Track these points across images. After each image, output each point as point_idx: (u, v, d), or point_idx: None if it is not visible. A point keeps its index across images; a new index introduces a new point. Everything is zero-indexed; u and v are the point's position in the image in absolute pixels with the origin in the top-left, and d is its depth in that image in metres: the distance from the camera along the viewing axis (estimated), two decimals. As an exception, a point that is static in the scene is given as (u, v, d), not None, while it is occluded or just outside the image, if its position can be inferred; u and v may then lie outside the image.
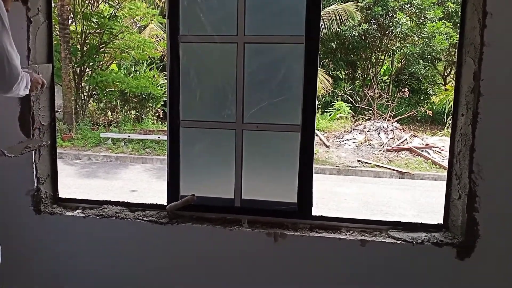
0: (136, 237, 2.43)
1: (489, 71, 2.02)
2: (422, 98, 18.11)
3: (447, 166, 2.32)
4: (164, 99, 15.08)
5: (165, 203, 2.53)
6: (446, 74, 18.90)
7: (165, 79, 15.81)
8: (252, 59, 2.35)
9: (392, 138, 11.06)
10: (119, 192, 7.53)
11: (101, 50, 13.00)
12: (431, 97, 18.20)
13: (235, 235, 2.34)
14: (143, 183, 8.37)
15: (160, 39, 15.40)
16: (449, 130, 10.58)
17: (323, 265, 2.27)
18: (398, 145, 10.79)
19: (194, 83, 2.45)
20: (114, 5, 13.09)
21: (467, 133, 2.12)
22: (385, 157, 10.29)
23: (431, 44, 16.34)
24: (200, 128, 2.49)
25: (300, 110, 2.32)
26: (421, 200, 7.60)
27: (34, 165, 2.51)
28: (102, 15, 12.45)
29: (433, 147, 10.83)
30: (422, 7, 16.25)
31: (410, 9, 16.71)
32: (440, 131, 14.21)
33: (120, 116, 14.41)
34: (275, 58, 2.38)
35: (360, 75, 18.88)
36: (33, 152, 2.49)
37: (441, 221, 2.34)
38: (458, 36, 2.09)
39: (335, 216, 2.44)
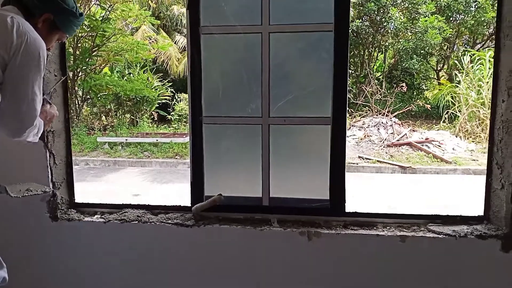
0: (161, 241, 2.31)
1: (532, 54, 1.93)
2: (415, 93, 18.10)
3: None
4: (159, 101, 14.95)
5: (188, 204, 2.41)
6: (438, 68, 18.92)
7: (159, 81, 15.63)
8: (278, 50, 2.24)
9: (391, 133, 11.00)
10: (121, 196, 7.37)
11: (94, 54, 12.77)
12: (425, 92, 18.21)
13: (266, 235, 2.22)
14: (144, 186, 8.22)
15: (153, 41, 15.22)
16: (445, 124, 10.51)
17: (362, 263, 2.17)
18: (398, 140, 10.73)
19: (217, 77, 2.33)
20: (106, 7, 12.88)
21: (509, 120, 2.02)
22: (386, 153, 10.22)
23: (424, 38, 16.31)
24: (224, 124, 2.36)
25: (330, 101, 2.21)
26: (426, 194, 7.54)
27: (49, 169, 2.37)
28: (94, 18, 12.24)
29: (433, 141, 10.79)
30: (414, 1, 16.23)
31: (402, 4, 16.69)
32: (435, 125, 14.20)
33: (115, 120, 14.21)
34: (302, 48, 2.27)
35: (353, 71, 18.85)
36: (47, 155, 2.36)
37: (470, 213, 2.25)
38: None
39: (369, 212, 2.33)
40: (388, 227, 2.22)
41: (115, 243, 2.36)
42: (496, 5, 2.09)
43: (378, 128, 11.31)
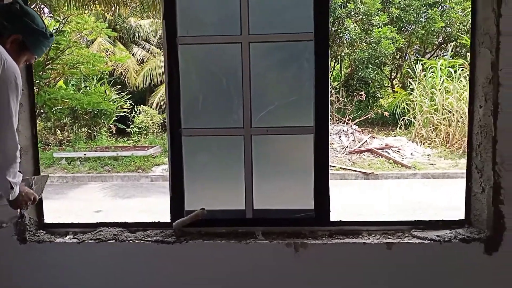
0: (141, 260, 2.20)
1: (507, 61, 1.99)
2: (371, 101, 18.62)
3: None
4: (117, 114, 14.56)
5: (168, 220, 2.32)
6: (392, 77, 19.56)
7: (117, 93, 15.25)
8: (259, 59, 2.21)
9: (353, 140, 11.21)
10: (82, 213, 7.07)
11: (47, 67, 12.30)
12: (380, 100, 18.78)
13: (252, 248, 2.17)
14: (106, 202, 7.92)
15: (110, 53, 14.85)
16: (401, 131, 10.84)
17: (350, 272, 2.15)
18: (359, 147, 10.95)
19: (196, 88, 2.27)
20: (60, 19, 12.46)
21: (487, 125, 2.08)
22: (349, 159, 10.40)
23: (378, 48, 16.85)
24: (204, 136, 2.30)
25: (312, 110, 2.20)
26: (391, 199, 7.71)
27: (16, 189, 2.21)
28: (48, 31, 11.81)
29: (392, 147, 11.09)
30: (368, 13, 16.77)
31: (356, 16, 17.19)
32: (392, 131, 14.63)
33: (71, 135, 13.70)
34: (283, 57, 2.24)
35: (312, 81, 19.15)
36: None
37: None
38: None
39: (354, 220, 2.32)
40: (373, 235, 2.22)
41: (91, 264, 2.22)
42: (470, 13, 2.15)
43: (340, 136, 11.50)
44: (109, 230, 2.30)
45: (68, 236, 2.30)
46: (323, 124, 2.20)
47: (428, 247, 2.10)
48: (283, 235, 2.23)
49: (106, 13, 15.40)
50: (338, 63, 19.27)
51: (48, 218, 2.41)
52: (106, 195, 8.50)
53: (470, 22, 2.15)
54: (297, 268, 2.16)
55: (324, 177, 2.24)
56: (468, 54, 10.92)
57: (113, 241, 2.21)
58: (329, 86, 2.19)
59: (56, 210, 7.16)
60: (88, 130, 14.30)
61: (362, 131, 12.22)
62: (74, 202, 7.99)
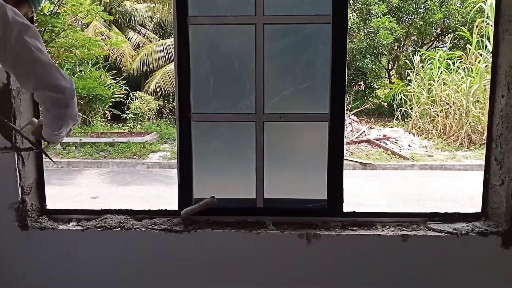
0: (148, 249, 2.12)
1: (533, 48, 1.92)
2: (367, 92, 18.55)
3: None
4: (112, 99, 14.38)
5: (175, 208, 2.24)
6: (389, 68, 19.49)
7: (112, 79, 15.07)
8: (273, 42, 2.11)
9: (351, 130, 11.17)
10: (79, 199, 6.97)
11: (42, 50, 12.07)
12: (376, 91, 18.71)
13: (262, 239, 2.09)
14: (103, 188, 7.82)
15: (105, 37, 14.60)
16: (398, 122, 10.80)
17: (363, 264, 2.09)
18: (357, 138, 10.91)
19: (207, 71, 2.17)
20: (55, 1, 12.20)
21: (509, 115, 2.01)
22: (346, 150, 10.35)
23: (376, 39, 16.74)
24: (214, 122, 2.21)
25: (328, 97, 2.11)
26: (390, 190, 7.69)
27: (17, 173, 2.12)
28: (42, 13, 11.54)
29: (390, 138, 11.06)
30: (367, 2, 16.63)
31: (355, 5, 17.05)
32: (388, 122, 14.59)
33: (65, 120, 13.50)
34: (298, 40, 2.14)
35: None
36: (16, 157, 2.11)
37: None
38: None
39: (367, 211, 2.26)
40: (387, 227, 2.15)
41: (95, 252, 2.14)
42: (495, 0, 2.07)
43: (337, 126, 11.44)
44: (114, 217, 2.21)
45: (71, 223, 2.21)
46: (338, 112, 2.11)
47: (444, 240, 2.05)
48: (294, 226, 2.16)
49: (102, -4, 15.14)
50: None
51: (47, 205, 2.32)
52: (103, 181, 8.40)
53: (494, 9, 2.06)
54: (309, 260, 2.10)
55: (338, 166, 2.16)
56: (468, 46, 10.86)
57: (119, 229, 2.13)
58: (346, 71, 2.10)
59: (52, 195, 7.06)
60: (83, 115, 14.12)
61: (360, 121, 12.17)
62: (70, 188, 7.89)
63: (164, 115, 15.17)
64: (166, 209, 2.28)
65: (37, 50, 1.46)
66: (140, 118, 14.08)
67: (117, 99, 14.55)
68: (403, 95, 14.57)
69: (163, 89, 15.49)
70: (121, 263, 2.14)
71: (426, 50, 16.24)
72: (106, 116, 14.47)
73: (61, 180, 8.37)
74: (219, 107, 2.20)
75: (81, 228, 2.15)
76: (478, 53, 11.57)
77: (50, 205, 2.32)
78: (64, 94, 1.49)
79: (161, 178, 8.56)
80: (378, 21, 16.49)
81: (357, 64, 17.62)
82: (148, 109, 14.40)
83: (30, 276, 2.16)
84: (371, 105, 14.54)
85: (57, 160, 9.58)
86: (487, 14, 11.37)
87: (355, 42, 17.24)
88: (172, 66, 15.30)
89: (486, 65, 10.92)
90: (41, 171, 2.25)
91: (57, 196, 6.81)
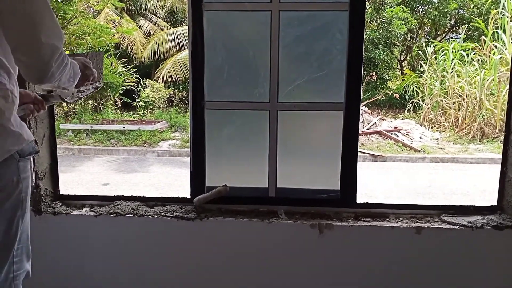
0: (160, 236, 2.13)
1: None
2: (378, 83, 18.38)
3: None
4: (123, 87, 14.41)
5: (187, 196, 2.23)
6: (402, 59, 19.26)
7: (123, 66, 15.09)
8: (288, 29, 2.08)
9: (361, 122, 11.09)
10: (90, 186, 7.03)
11: (54, 37, 12.10)
12: (387, 82, 18.52)
13: (274, 228, 2.08)
14: (114, 175, 7.88)
15: (117, 25, 14.60)
16: (409, 114, 10.71)
17: (376, 256, 2.07)
18: (368, 129, 10.84)
19: (221, 59, 2.15)
20: (66, -13, 12.20)
21: (529, 107, 1.97)
22: (357, 141, 10.30)
23: (389, 29, 16.54)
24: (228, 110, 2.19)
25: (343, 86, 2.08)
26: (401, 182, 7.64)
27: (31, 158, 2.12)
28: (54, -1, 11.57)
29: (401, 129, 10.97)
30: (381, -9, 16.42)
31: (369, -6, 16.85)
32: (399, 114, 14.47)
33: (77, 106, 13.59)
34: (314, 28, 2.11)
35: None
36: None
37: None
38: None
39: (380, 203, 2.24)
40: (401, 218, 2.13)
41: (108, 238, 2.15)
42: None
43: (348, 117, 11.37)
44: (126, 204, 2.22)
45: (84, 209, 2.22)
46: (354, 101, 2.08)
47: (459, 233, 2.02)
48: (306, 216, 2.15)
49: (113, -17, 15.09)
50: (347, 43, 18.94)
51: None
52: (114, 169, 8.46)
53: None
54: (321, 250, 2.09)
55: (353, 157, 2.14)
56: (482, 37, 10.66)
57: (131, 215, 2.14)
58: (363, 60, 2.07)
59: (64, 181, 7.13)
60: (94, 103, 14.19)
61: (371, 112, 12.07)
62: (81, 174, 7.95)
63: (174, 104, 15.18)
64: (178, 197, 2.27)
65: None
66: (151, 106, 14.11)
67: (127, 87, 14.59)
68: (415, 86, 14.41)
69: (173, 78, 15.47)
70: (133, 249, 2.15)
71: (439, 41, 16.02)
72: (116, 103, 14.53)
73: (72, 167, 8.44)
74: (232, 95, 2.18)
75: (94, 213, 2.15)
76: (493, 45, 11.38)
77: (62, 191, 2.33)
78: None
79: (170, 165, 8.56)
80: (392, 11, 16.27)
81: (369, 54, 17.43)
82: (159, 97, 14.42)
83: (43, 260, 2.17)
84: (382, 96, 14.41)
85: (68, 147, 9.66)
86: (503, 5, 11.17)
87: (368, 33, 17.02)
88: (183, 54, 15.26)
89: (501, 57, 10.75)
90: (55, 157, 2.26)
91: (69, 183, 6.87)
